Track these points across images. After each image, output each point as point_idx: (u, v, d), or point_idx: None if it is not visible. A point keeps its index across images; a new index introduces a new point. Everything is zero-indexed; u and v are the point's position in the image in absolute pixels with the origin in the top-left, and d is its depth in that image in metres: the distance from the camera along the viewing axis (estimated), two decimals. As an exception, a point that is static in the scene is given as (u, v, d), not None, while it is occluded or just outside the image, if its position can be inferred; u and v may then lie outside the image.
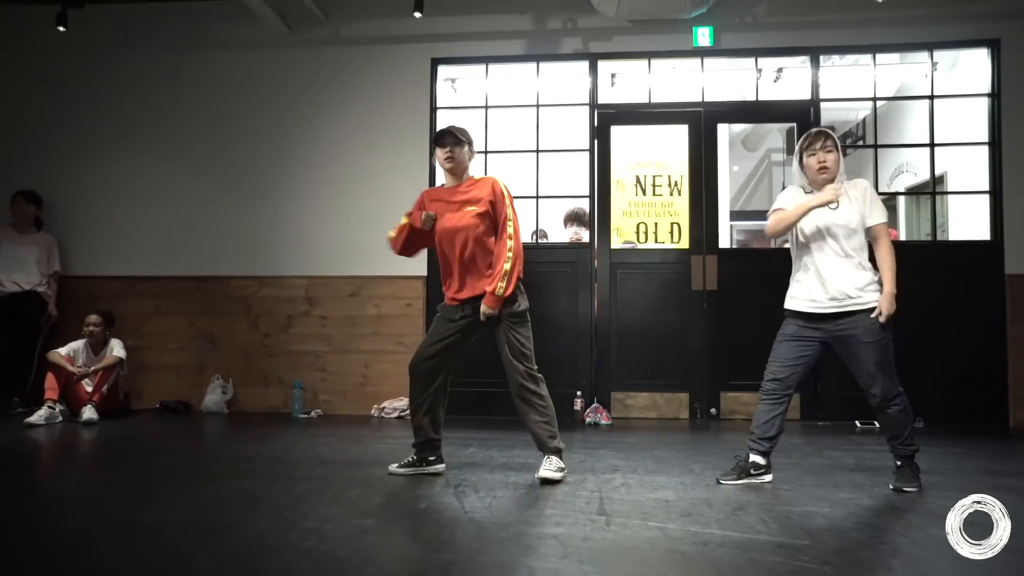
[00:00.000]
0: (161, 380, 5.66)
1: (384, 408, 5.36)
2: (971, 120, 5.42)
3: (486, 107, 5.62)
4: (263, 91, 5.77)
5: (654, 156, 6.23)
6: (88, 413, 4.87)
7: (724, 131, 6.49)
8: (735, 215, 9.99)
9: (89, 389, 5.03)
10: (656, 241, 6.33)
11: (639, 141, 6.29)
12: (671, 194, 6.02)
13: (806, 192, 3.14)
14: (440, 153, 3.24)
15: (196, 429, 4.86)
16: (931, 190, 5.49)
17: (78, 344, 5.17)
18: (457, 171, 3.25)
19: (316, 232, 5.66)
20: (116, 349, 5.18)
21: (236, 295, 5.69)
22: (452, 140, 3.22)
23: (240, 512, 2.64)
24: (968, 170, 5.56)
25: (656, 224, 6.52)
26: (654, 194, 6.42)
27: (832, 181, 3.08)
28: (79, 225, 5.82)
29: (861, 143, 7.01)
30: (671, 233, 5.99)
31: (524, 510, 2.66)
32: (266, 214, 5.71)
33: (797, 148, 3.18)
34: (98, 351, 5.20)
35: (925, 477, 3.23)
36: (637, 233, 6.62)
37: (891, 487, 3.01)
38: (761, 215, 9.33)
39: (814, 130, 3.16)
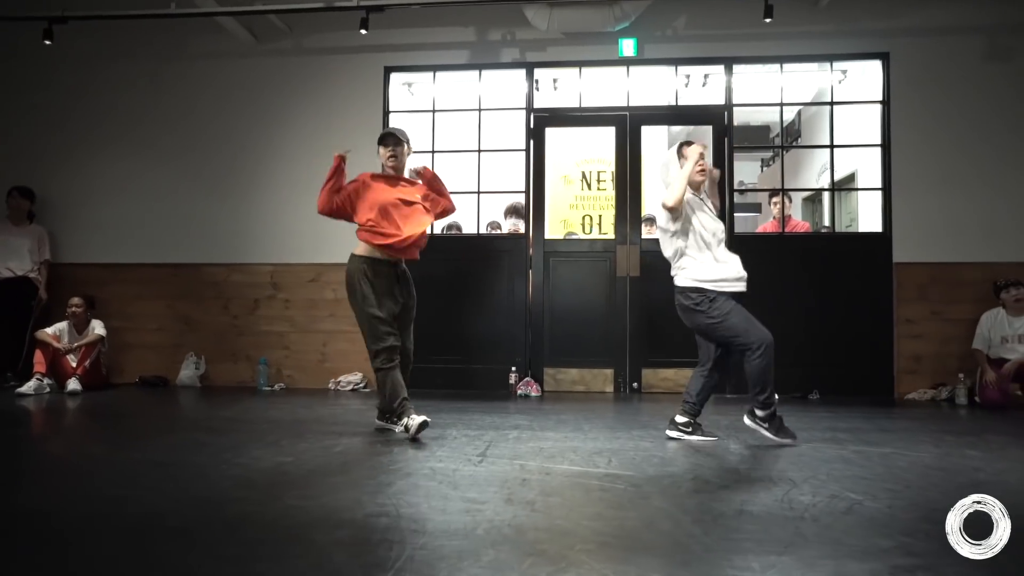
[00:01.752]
0: (141, 357, 6.26)
1: (340, 382, 5.96)
2: (876, 124, 5.98)
3: (433, 111, 6.19)
4: (235, 97, 6.33)
5: (598, 153, 6.81)
6: (72, 385, 5.47)
7: (657, 133, 7.08)
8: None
9: (74, 364, 5.63)
10: (600, 232, 6.92)
11: (584, 139, 6.87)
12: (615, 188, 6.60)
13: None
14: (384, 152, 3.77)
15: (169, 399, 5.46)
16: (831, 187, 6.08)
17: (63, 324, 5.76)
18: (399, 168, 3.80)
19: (281, 224, 6.24)
20: (97, 328, 5.78)
21: (209, 280, 6.28)
22: (394, 140, 3.77)
23: (188, 452, 3.24)
24: (874, 169, 6.13)
25: (600, 216, 7.12)
26: (599, 188, 7.01)
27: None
28: (69, 218, 6.41)
29: (789, 142, 7.56)
30: (614, 224, 6.58)
31: (419, 451, 3.26)
32: (237, 208, 6.29)
33: (674, 159, 3.68)
34: (81, 330, 5.79)
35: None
36: (583, 224, 7.22)
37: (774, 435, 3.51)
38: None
39: (683, 140, 3.75)
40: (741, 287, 3.59)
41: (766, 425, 3.51)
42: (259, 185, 6.29)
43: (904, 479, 2.77)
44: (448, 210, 3.96)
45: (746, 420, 3.59)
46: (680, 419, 3.66)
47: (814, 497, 2.47)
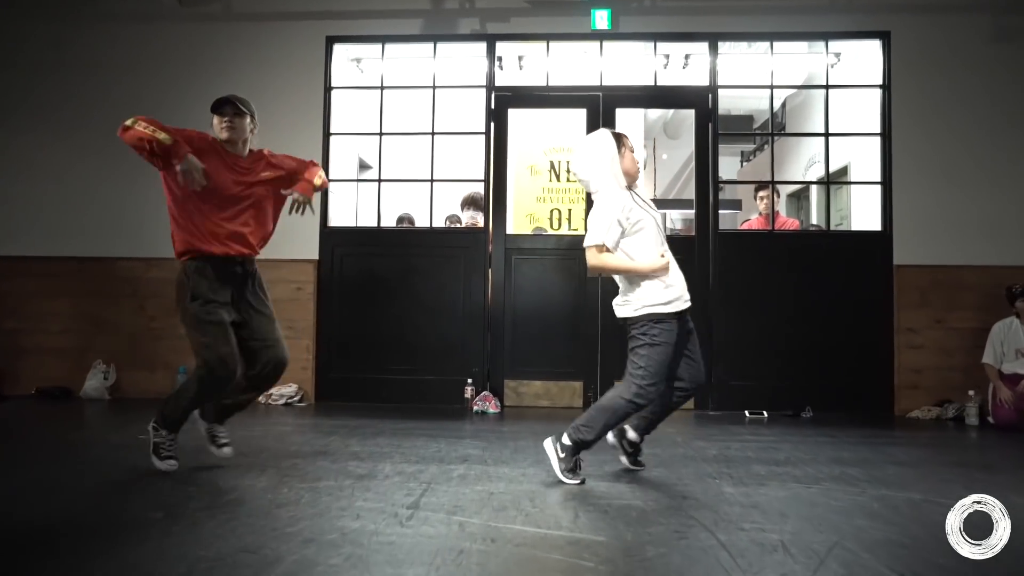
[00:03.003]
0: (40, 364, 5.42)
1: (271, 395, 5.20)
2: (873, 112, 5.42)
3: (381, 87, 5.46)
4: (153, 67, 5.52)
5: (568, 141, 6.15)
6: (-50, 399, 4.64)
7: (632, 116, 6.44)
8: (664, 204, 9.99)
9: (-47, 374, 4.80)
10: (570, 227, 6.26)
11: (552, 126, 6.20)
12: (586, 180, 5.96)
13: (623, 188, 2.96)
14: (218, 122, 3.05)
15: (62, 415, 4.66)
16: (826, 180, 5.50)
17: (-58, 327, 4.92)
18: (236, 140, 3.08)
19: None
20: (-18, 332, 4.94)
21: (122, 276, 5.47)
22: (232, 110, 3.06)
23: (28, 505, 2.48)
24: (869, 161, 5.57)
25: (570, 210, 6.47)
26: (568, 180, 6.35)
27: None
28: (-49, 202, 5.55)
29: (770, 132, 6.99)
30: (584, 219, 5.93)
31: (335, 502, 2.55)
32: (153, 194, 5.42)
33: (613, 148, 2.95)
34: (-36, 334, 4.96)
35: (779, 468, 3.21)
36: (551, 219, 6.55)
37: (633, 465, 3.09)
38: (681, 203, 9.39)
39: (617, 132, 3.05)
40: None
41: (563, 456, 2.88)
42: (181, 168, 5.48)
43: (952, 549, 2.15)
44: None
45: (548, 441, 2.96)
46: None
47: (850, 583, 1.83)
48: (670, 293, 2.90)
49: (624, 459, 3.10)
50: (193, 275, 2.98)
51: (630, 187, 3.00)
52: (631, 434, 3.07)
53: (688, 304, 2.96)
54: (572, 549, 2.09)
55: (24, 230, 5.53)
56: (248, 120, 3.11)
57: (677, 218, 10.11)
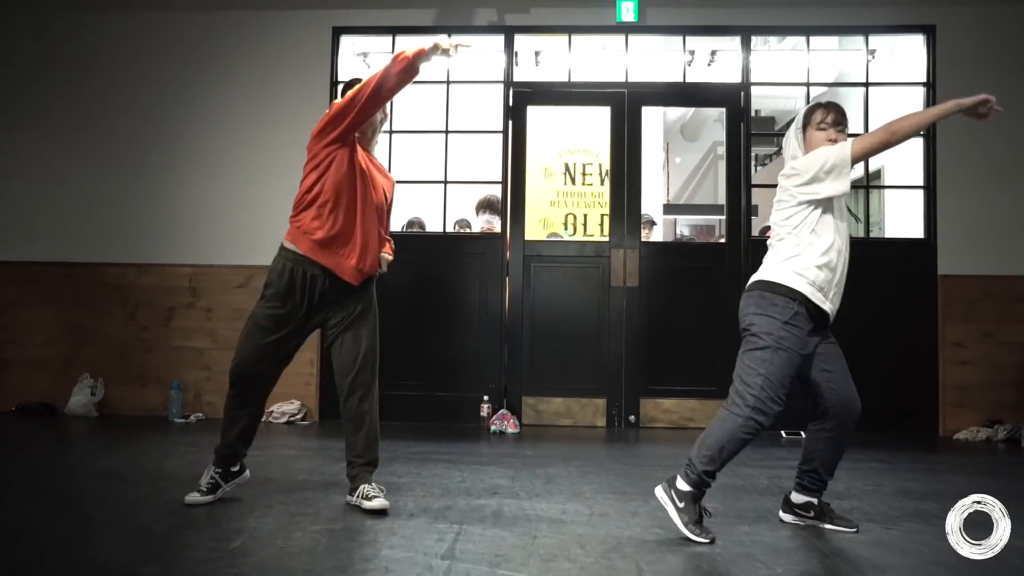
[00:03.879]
0: (22, 378, 5.05)
1: (272, 412, 4.84)
2: (906, 111, 5.11)
3: (392, 82, 5.11)
4: (147, 60, 5.18)
5: (584, 143, 5.83)
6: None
7: (653, 115, 6.12)
8: (680, 209, 9.68)
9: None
10: (585, 233, 5.93)
11: (569, 126, 5.88)
12: (602, 183, 5.64)
13: None
14: (380, 113, 2.76)
15: (45, 435, 4.28)
16: (866, 184, 5.19)
17: (-85, 338, 4.54)
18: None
19: (202, 216, 5.11)
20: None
21: (111, 283, 5.11)
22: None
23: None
24: (906, 165, 5.27)
25: (586, 216, 6.13)
26: (584, 183, 6.02)
27: None
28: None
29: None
30: (601, 225, 5.62)
31: (359, 548, 2.20)
32: (146, 195, 5.13)
33: (802, 120, 2.60)
34: (-61, 346, 4.58)
35: (843, 502, 2.89)
36: (565, 224, 6.22)
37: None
38: (708, 208, 9.09)
39: (825, 102, 2.63)
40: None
41: (681, 506, 2.36)
42: (176, 168, 5.14)
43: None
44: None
45: (659, 489, 2.43)
46: (797, 498, 2.56)
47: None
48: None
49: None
50: None
51: None
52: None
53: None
54: (648, 618, 1.75)
55: (5, 234, 5.16)
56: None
57: (684, 224, 9.82)
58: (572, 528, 2.48)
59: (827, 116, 2.55)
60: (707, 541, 2.28)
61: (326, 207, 2.59)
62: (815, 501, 2.53)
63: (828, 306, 2.52)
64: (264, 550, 2.18)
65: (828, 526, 2.49)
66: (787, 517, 2.57)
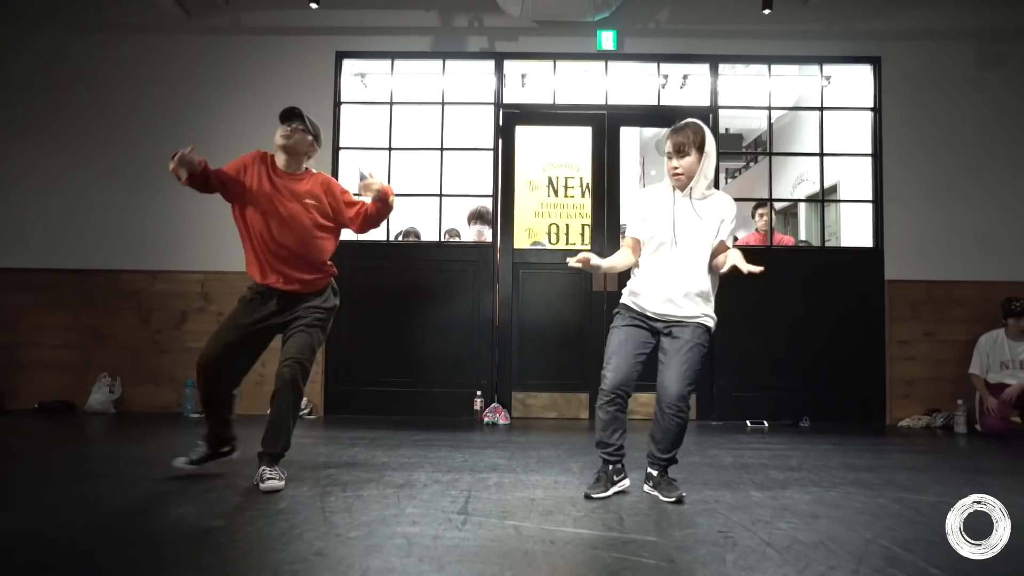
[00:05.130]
0: (40, 379, 5.35)
1: (280, 408, 5.20)
2: (862, 132, 5.67)
3: (391, 103, 5.55)
4: (156, 78, 5.53)
5: (567, 158, 6.28)
6: (-47, 413, 4.57)
7: (631, 133, 6.61)
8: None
9: (-44, 387, 4.73)
10: (567, 242, 6.39)
11: (552, 142, 6.34)
12: (583, 196, 6.08)
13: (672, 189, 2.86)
14: (282, 130, 3.07)
15: (72, 430, 4.62)
16: (820, 198, 5.72)
17: (-56, 339, 4.85)
18: (291, 152, 3.09)
19: (213, 226, 5.44)
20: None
21: (126, 289, 5.44)
22: (299, 121, 3.09)
23: (77, 516, 2.50)
24: (858, 181, 5.82)
25: (568, 225, 6.58)
26: (566, 195, 6.47)
27: (684, 188, 2.82)
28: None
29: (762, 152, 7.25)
30: (582, 235, 6.06)
31: (384, 509, 2.61)
32: (159, 206, 5.47)
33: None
34: (-33, 347, 4.89)
35: (795, 473, 3.36)
36: (549, 234, 6.67)
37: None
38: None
39: (679, 123, 2.84)
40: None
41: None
42: (188, 181, 5.49)
43: (981, 543, 2.30)
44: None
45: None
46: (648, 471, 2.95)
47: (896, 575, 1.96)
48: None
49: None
50: None
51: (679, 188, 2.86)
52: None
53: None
54: (629, 548, 2.19)
55: (23, 242, 5.47)
56: (310, 138, 3.12)
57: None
58: (564, 492, 2.93)
59: (667, 144, 2.84)
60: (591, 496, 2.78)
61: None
62: (654, 473, 2.89)
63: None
64: (306, 511, 2.58)
65: (657, 493, 2.82)
66: (645, 487, 2.91)
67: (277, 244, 3.04)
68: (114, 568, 1.98)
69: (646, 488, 2.91)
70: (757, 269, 2.73)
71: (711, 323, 2.91)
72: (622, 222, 5.71)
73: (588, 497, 2.80)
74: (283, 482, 2.88)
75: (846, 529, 2.43)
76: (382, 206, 3.15)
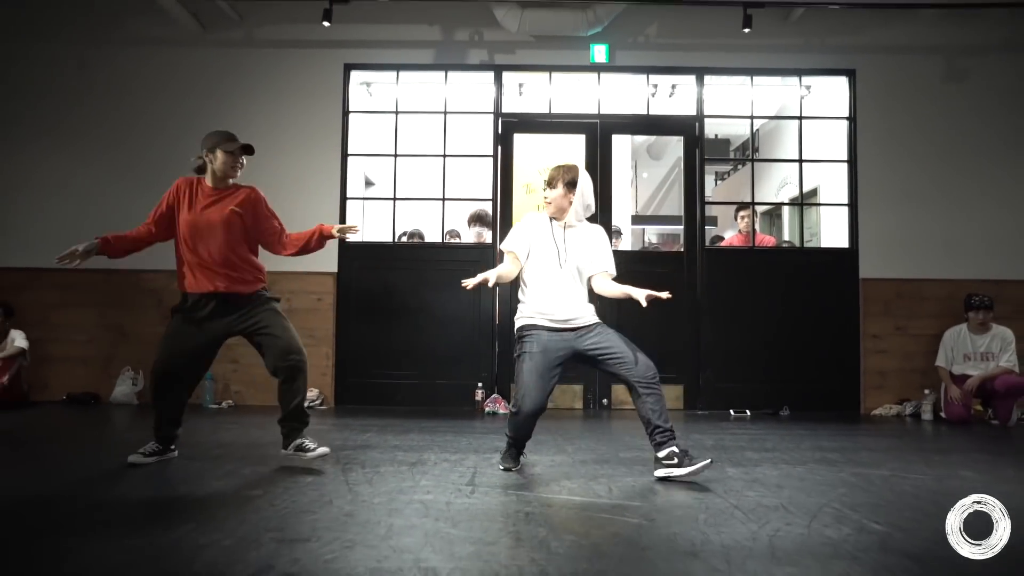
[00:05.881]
0: (67, 372, 5.69)
1: (293, 399, 5.55)
2: (839, 140, 6.03)
3: (396, 112, 5.89)
4: (174, 89, 5.86)
5: (561, 162, 6.63)
6: (-11, 404, 4.90)
7: (623, 141, 6.96)
8: (647, 219, 10.56)
9: (-10, 380, 5.06)
10: (562, 243, 6.74)
11: (548, 147, 6.69)
12: (577, 198, 6.44)
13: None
14: (234, 161, 3.40)
15: (103, 418, 4.96)
16: (799, 202, 6.09)
17: (-22, 335, 5.18)
18: (235, 176, 3.46)
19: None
20: (18, 340, 5.22)
21: (147, 288, 5.78)
22: (250, 152, 3.45)
23: (130, 485, 2.85)
24: (837, 184, 6.18)
25: (563, 227, 6.95)
26: (561, 198, 6.83)
27: (559, 218, 3.21)
28: (-20, 216, 5.81)
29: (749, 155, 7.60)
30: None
31: (401, 482, 2.96)
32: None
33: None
34: (-1, 342, 5.22)
35: (768, 454, 3.72)
36: (544, 235, 7.03)
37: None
38: (670, 220, 10.00)
39: (560, 163, 3.28)
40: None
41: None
42: (205, 186, 5.83)
43: (919, 506, 2.66)
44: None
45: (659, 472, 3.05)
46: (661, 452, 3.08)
47: (841, 529, 2.32)
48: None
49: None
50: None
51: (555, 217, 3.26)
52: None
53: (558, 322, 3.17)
54: (616, 510, 2.55)
55: (51, 243, 5.77)
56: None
57: (652, 233, 10.71)
58: (560, 469, 3.28)
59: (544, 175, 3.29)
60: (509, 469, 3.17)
61: None
62: (675, 449, 2.99)
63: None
64: (332, 483, 2.93)
65: (689, 468, 2.94)
66: (660, 472, 2.99)
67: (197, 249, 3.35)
68: (180, 523, 2.32)
69: (664, 472, 2.97)
70: (663, 295, 3.09)
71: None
72: (613, 223, 6.07)
73: (507, 470, 3.18)
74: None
75: (805, 496, 2.79)
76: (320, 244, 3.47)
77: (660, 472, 3.02)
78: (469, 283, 3.20)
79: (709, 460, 3.03)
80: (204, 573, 1.87)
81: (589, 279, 3.31)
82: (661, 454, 3.03)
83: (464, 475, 3.10)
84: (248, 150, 3.44)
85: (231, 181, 3.46)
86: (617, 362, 3.12)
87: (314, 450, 3.26)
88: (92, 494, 2.73)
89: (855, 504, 2.67)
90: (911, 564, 1.99)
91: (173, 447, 3.42)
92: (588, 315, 3.23)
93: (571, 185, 3.21)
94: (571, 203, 3.22)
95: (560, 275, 3.22)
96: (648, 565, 2.00)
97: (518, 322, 3.30)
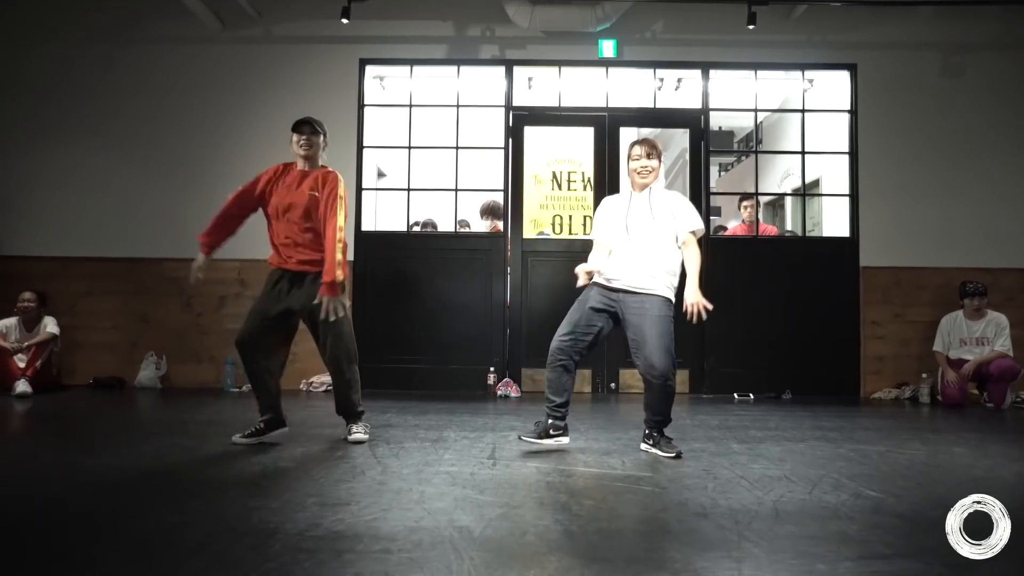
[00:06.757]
0: (94, 357, 5.90)
1: (312, 383, 5.77)
2: (841, 132, 6.19)
3: (410, 105, 6.06)
4: (196, 85, 6.04)
5: (569, 154, 6.80)
6: (21, 387, 5.11)
7: (630, 134, 7.12)
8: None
9: (22, 364, 5.25)
10: (570, 232, 6.93)
11: (555, 139, 6.86)
12: (584, 189, 6.60)
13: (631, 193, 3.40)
14: (297, 139, 3.54)
15: (131, 401, 5.17)
16: (802, 192, 6.26)
17: (11, 321, 5.38)
18: (312, 157, 3.57)
19: (248, 219, 5.97)
20: (50, 326, 5.42)
21: (169, 276, 5.97)
22: (309, 129, 3.55)
23: (178, 459, 3.06)
24: (838, 175, 6.35)
25: (570, 216, 7.12)
26: (569, 188, 7.00)
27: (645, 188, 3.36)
28: (13, 208, 6.00)
29: (752, 147, 7.76)
30: (584, 225, 6.59)
31: (426, 455, 3.16)
32: (199, 201, 5.94)
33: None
34: (31, 328, 5.42)
35: (771, 432, 3.92)
36: (553, 224, 7.21)
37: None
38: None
39: (642, 139, 3.47)
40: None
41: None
42: (224, 179, 5.98)
43: (911, 476, 2.86)
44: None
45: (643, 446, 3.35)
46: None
47: (839, 495, 2.51)
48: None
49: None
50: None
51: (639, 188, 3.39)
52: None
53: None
54: (631, 479, 2.75)
55: (76, 233, 5.99)
56: (321, 138, 3.60)
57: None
58: (574, 444, 3.47)
59: (630, 150, 3.41)
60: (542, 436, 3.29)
61: None
62: (654, 433, 3.29)
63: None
64: (361, 457, 3.13)
65: (656, 451, 3.23)
66: (643, 446, 3.33)
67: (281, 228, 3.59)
68: (228, 489, 2.52)
69: (643, 447, 3.33)
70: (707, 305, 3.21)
71: (671, 295, 3.29)
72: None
73: (521, 439, 3.33)
74: (367, 435, 3.49)
75: (806, 468, 2.99)
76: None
77: (642, 446, 3.35)
78: (583, 279, 3.36)
79: (675, 453, 3.17)
80: (260, 529, 2.07)
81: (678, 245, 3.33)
82: (645, 433, 3.35)
83: (484, 450, 3.30)
84: (302, 128, 3.53)
85: (318, 163, 3.59)
86: (633, 347, 3.28)
87: (353, 434, 3.48)
88: (140, 464, 2.94)
89: (852, 475, 2.86)
90: (901, 523, 2.19)
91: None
92: (643, 283, 3.24)
93: (660, 155, 3.44)
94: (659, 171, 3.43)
95: (627, 243, 3.31)
96: (661, 523, 2.19)
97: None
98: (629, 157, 3.42)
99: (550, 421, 3.33)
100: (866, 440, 3.72)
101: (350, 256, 5.91)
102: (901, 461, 3.17)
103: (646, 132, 8.66)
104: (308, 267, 3.56)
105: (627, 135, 6.36)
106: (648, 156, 3.37)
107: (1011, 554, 1.86)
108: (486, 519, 2.18)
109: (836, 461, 3.14)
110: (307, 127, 3.59)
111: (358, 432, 3.49)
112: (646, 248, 3.29)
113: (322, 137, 3.62)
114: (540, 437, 3.31)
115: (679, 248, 3.35)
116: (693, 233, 3.35)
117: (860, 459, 3.20)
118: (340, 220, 3.45)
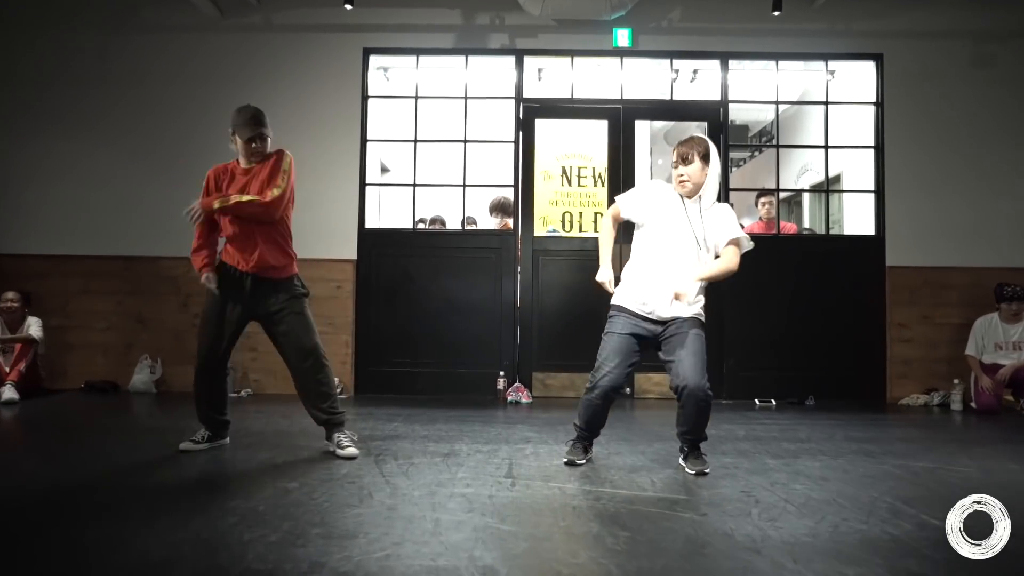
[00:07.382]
0: (86, 360, 5.65)
1: (313, 388, 5.51)
2: (864, 125, 5.93)
3: (416, 97, 5.80)
4: (194, 76, 5.77)
5: (580, 148, 6.55)
6: (8, 393, 4.86)
7: (643, 127, 6.86)
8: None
9: (7, 368, 5.01)
10: (580, 230, 6.68)
11: (565, 133, 6.60)
12: (595, 185, 6.34)
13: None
14: (244, 148, 3.33)
15: (124, 406, 4.92)
16: (825, 188, 6.00)
17: (-7, 321, 5.14)
18: (262, 154, 3.37)
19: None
20: (33, 327, 5.18)
21: (166, 275, 5.71)
22: (259, 136, 3.34)
23: (171, 472, 2.81)
24: (861, 172, 6.09)
25: (581, 213, 6.86)
26: (579, 185, 6.74)
27: (692, 195, 2.95)
28: (5, 204, 5.73)
29: (767, 142, 7.50)
30: (594, 222, 6.33)
31: (438, 474, 2.91)
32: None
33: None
34: (15, 329, 5.19)
35: (804, 445, 3.67)
36: (563, 222, 6.96)
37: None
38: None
39: (687, 136, 3.02)
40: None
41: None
42: (222, 172, 5.76)
43: (971, 500, 2.61)
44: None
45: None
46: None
47: (901, 526, 2.26)
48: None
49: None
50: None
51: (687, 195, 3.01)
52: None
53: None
54: (665, 503, 2.50)
55: (68, 230, 5.73)
56: (268, 137, 3.39)
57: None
58: (597, 460, 3.23)
59: (672, 155, 2.99)
60: (574, 463, 3.07)
61: None
62: (685, 448, 3.07)
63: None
64: (368, 476, 2.88)
65: (685, 466, 3.01)
66: (680, 461, 3.09)
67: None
68: (223, 515, 2.27)
69: (681, 461, 3.08)
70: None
71: (702, 315, 3.08)
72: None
73: (572, 464, 3.07)
74: (357, 448, 3.24)
75: (854, 489, 2.74)
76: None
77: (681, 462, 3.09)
78: (608, 287, 3.10)
79: (695, 472, 2.96)
80: (256, 570, 1.82)
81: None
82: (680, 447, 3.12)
83: (500, 467, 3.05)
84: (254, 140, 3.32)
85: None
86: (669, 367, 3.03)
87: (345, 448, 3.22)
88: (130, 482, 2.69)
89: (907, 498, 2.61)
90: (982, 562, 1.94)
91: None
92: (681, 311, 2.99)
93: (706, 158, 2.92)
94: (707, 178, 2.94)
95: (666, 260, 2.96)
96: (710, 562, 1.95)
97: (614, 298, 3.11)
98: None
99: (583, 443, 3.19)
100: (908, 454, 3.47)
101: (352, 255, 5.66)
102: (954, 481, 2.92)
103: (657, 126, 8.44)
104: (271, 272, 3.33)
105: (642, 128, 6.11)
106: (684, 161, 2.93)
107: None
108: (512, 556, 1.94)
109: (884, 481, 2.89)
110: (259, 138, 3.34)
111: (349, 445, 3.22)
112: (687, 273, 2.95)
113: (268, 130, 3.41)
114: (585, 455, 3.17)
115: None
116: (737, 245, 2.99)
117: (909, 478, 2.95)
118: (276, 192, 3.22)
